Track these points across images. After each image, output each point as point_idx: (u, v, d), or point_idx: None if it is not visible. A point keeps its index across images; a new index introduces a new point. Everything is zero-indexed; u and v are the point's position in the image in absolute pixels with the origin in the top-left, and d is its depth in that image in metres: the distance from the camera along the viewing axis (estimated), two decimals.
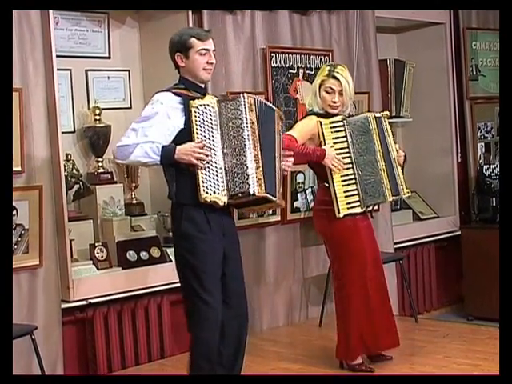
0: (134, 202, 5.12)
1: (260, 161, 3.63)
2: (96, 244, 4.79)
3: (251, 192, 3.59)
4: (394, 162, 4.51)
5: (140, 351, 4.82)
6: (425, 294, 6.63)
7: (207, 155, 3.58)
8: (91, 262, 4.73)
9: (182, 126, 3.65)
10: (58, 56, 4.50)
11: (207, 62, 3.75)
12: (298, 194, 5.57)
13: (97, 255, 4.75)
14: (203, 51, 3.74)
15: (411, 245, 6.48)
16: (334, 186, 4.33)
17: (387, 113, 4.68)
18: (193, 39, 3.72)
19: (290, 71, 5.53)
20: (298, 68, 5.57)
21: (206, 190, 3.58)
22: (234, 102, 3.67)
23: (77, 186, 4.87)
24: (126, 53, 5.26)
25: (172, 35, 3.80)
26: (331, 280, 5.26)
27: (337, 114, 4.42)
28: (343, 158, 4.35)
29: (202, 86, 3.80)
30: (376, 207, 4.61)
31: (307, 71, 5.61)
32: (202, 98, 3.68)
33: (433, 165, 6.79)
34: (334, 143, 4.35)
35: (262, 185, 3.61)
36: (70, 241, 4.57)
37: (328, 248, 4.70)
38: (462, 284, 6.67)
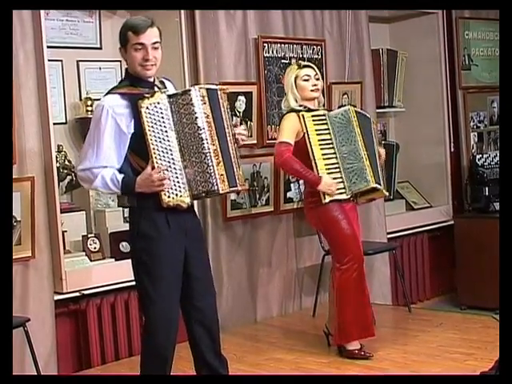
0: None
1: (220, 155, 3.48)
2: (89, 235, 4.77)
3: (215, 190, 3.48)
4: (377, 159, 4.60)
5: (134, 342, 4.81)
6: (418, 284, 6.64)
7: (166, 177, 3.43)
8: (84, 253, 4.72)
9: (133, 131, 3.49)
10: (48, 47, 4.48)
11: (143, 58, 3.49)
12: (291, 185, 5.55)
13: (90, 246, 4.74)
14: (138, 46, 3.48)
15: (404, 234, 6.48)
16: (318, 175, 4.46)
17: (375, 123, 4.85)
18: (129, 33, 3.48)
19: (283, 61, 5.50)
20: (290, 58, 5.55)
21: (167, 193, 3.46)
22: (186, 97, 3.45)
23: (69, 178, 4.84)
24: (117, 43, 5.13)
25: None
26: (324, 270, 5.30)
27: (315, 110, 4.55)
28: (326, 148, 4.49)
29: (150, 80, 3.56)
30: (368, 198, 4.70)
31: (300, 61, 5.58)
32: (150, 95, 3.46)
33: (426, 154, 6.78)
34: (317, 135, 4.48)
35: (225, 180, 3.48)
36: (63, 232, 4.55)
37: (324, 237, 4.80)
38: (454, 273, 6.68)
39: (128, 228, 3.69)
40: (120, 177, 3.49)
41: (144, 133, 3.43)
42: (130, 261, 4.61)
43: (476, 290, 6.33)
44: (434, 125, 6.78)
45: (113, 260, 4.78)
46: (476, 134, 7.09)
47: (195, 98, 3.47)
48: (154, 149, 3.45)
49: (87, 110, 4.90)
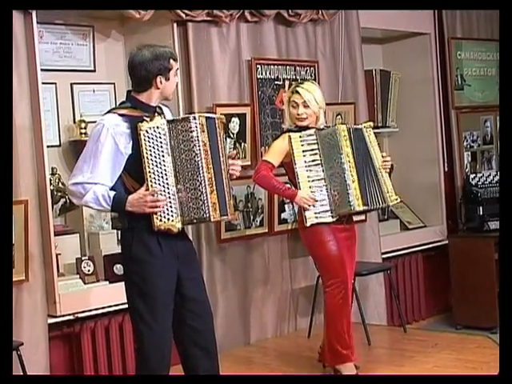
0: (118, 215, 5.07)
1: (214, 184, 3.51)
2: (83, 258, 4.76)
3: (206, 218, 3.51)
4: (379, 171, 4.52)
5: (128, 366, 4.78)
6: (413, 304, 6.62)
7: (160, 200, 3.46)
8: (78, 276, 4.70)
9: (130, 152, 3.52)
10: (42, 70, 4.49)
11: (175, 82, 3.67)
12: (285, 206, 5.55)
13: (83, 269, 4.72)
14: (176, 71, 3.65)
15: (399, 255, 6.48)
16: None
17: (370, 123, 4.70)
18: (172, 60, 3.60)
19: (276, 83, 5.52)
20: (283, 79, 5.57)
21: (159, 217, 3.48)
22: (185, 124, 3.50)
23: (63, 200, 4.83)
24: (111, 66, 5.24)
25: (137, 55, 3.57)
26: (319, 291, 5.28)
27: (308, 128, 4.52)
28: (314, 170, 4.46)
29: (152, 104, 3.61)
30: (363, 217, 4.68)
31: (293, 82, 5.58)
32: (150, 118, 3.52)
33: (420, 174, 6.80)
34: (304, 155, 4.46)
35: (217, 209, 3.51)
36: (57, 255, 4.54)
37: (312, 257, 4.76)
38: (449, 293, 6.67)
39: (120, 251, 3.70)
40: (112, 193, 3.51)
41: (141, 155, 3.47)
42: (123, 283, 4.62)
43: (471, 310, 6.33)
44: (428, 145, 6.80)
45: (107, 283, 4.76)
46: (469, 153, 7.12)
47: (194, 125, 3.51)
48: (149, 172, 3.48)
49: (81, 133, 4.91)
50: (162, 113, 3.68)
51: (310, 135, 4.49)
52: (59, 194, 4.80)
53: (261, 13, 5.34)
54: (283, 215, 5.55)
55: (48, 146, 4.53)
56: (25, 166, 4.36)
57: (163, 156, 3.49)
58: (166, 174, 3.50)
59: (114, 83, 5.24)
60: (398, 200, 4.64)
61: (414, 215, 6.84)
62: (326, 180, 4.45)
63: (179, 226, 3.52)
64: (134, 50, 3.62)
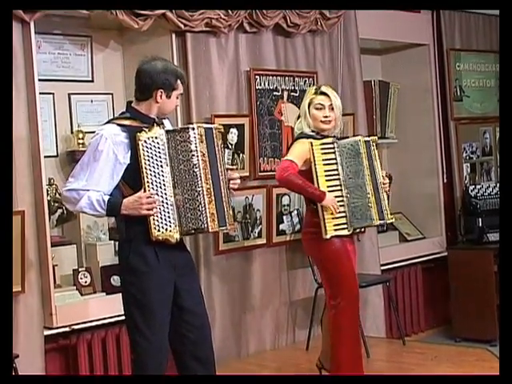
0: (116, 226, 5.05)
1: (212, 194, 3.53)
2: (79, 269, 4.74)
3: (204, 228, 3.52)
4: (380, 186, 4.47)
5: None
6: (412, 316, 6.61)
7: (156, 202, 3.47)
8: (75, 287, 4.68)
9: (128, 162, 3.53)
10: (40, 80, 4.48)
11: (176, 105, 3.72)
12: (284, 217, 5.54)
13: (80, 280, 4.70)
14: (180, 95, 3.70)
15: (398, 266, 6.46)
16: (322, 208, 4.30)
17: (375, 138, 4.62)
18: (179, 82, 3.64)
19: (275, 93, 5.52)
20: (282, 90, 5.56)
21: (157, 227, 3.49)
22: (184, 134, 3.52)
23: (60, 211, 4.82)
24: (109, 76, 5.24)
25: (147, 63, 3.63)
26: (318, 303, 5.26)
27: (327, 136, 4.40)
28: (332, 179, 4.33)
29: (151, 115, 3.63)
30: (362, 229, 4.62)
31: (292, 93, 5.60)
32: (149, 129, 3.53)
33: (419, 186, 6.80)
34: (324, 164, 4.32)
35: (215, 219, 3.52)
36: (53, 266, 4.52)
37: (320, 270, 4.61)
38: (449, 305, 6.65)
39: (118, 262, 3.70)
40: (106, 198, 3.52)
41: (139, 165, 3.48)
42: (120, 295, 4.60)
43: (471, 322, 6.31)
44: (427, 156, 6.80)
45: (104, 294, 4.74)
46: (469, 164, 7.12)
47: (193, 136, 3.52)
48: (148, 182, 3.49)
49: (78, 143, 4.90)
50: (162, 123, 3.69)
51: (331, 144, 4.35)
52: (56, 204, 4.78)
53: (259, 23, 5.34)
54: (281, 226, 5.53)
55: (45, 157, 4.52)
56: (22, 176, 4.35)
57: (161, 166, 3.50)
58: (164, 184, 3.51)
59: (111, 93, 5.23)
60: (393, 220, 4.64)
61: (413, 227, 6.82)
62: (344, 191, 4.34)
63: (177, 236, 3.52)
64: (148, 58, 3.67)
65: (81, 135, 4.91)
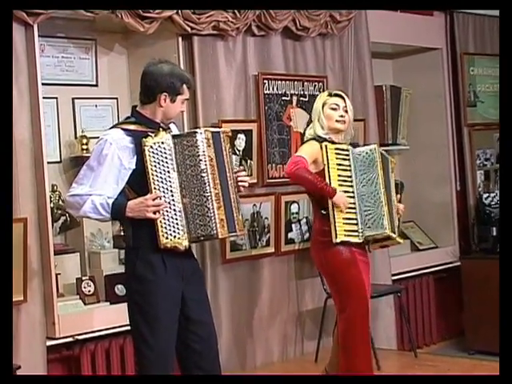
0: (123, 233, 5.07)
1: (221, 199, 3.53)
2: (83, 278, 4.75)
3: (214, 234, 3.53)
4: (394, 203, 4.50)
5: None
6: (424, 328, 6.60)
7: (162, 204, 3.48)
8: (78, 296, 4.69)
9: (134, 167, 3.54)
10: (43, 84, 4.49)
11: (182, 111, 3.74)
12: (293, 225, 5.54)
13: (84, 290, 4.71)
14: (185, 101, 3.70)
15: (409, 276, 6.45)
16: (333, 212, 4.31)
17: (394, 161, 4.69)
18: (184, 86, 3.64)
19: (284, 98, 5.52)
20: (291, 95, 5.57)
21: (165, 235, 3.49)
22: (191, 138, 3.53)
23: (63, 218, 4.83)
24: (114, 80, 5.25)
25: (153, 66, 3.65)
26: (327, 314, 5.26)
27: (339, 143, 4.43)
28: (345, 185, 4.35)
29: (157, 120, 3.64)
30: (382, 244, 4.60)
31: (301, 98, 5.60)
32: (155, 134, 3.54)
33: (431, 193, 6.79)
34: (338, 169, 4.35)
35: (225, 225, 3.53)
36: (56, 275, 4.52)
37: (327, 280, 4.66)
38: (462, 317, 6.64)
39: (124, 270, 3.71)
40: (110, 201, 3.52)
41: (146, 171, 3.49)
42: (125, 304, 4.59)
43: (485, 334, 6.28)
44: (440, 163, 6.80)
45: (108, 304, 4.75)
46: (482, 172, 7.10)
47: (200, 140, 3.53)
48: (154, 188, 3.50)
49: (82, 149, 4.91)
50: (168, 128, 3.70)
51: (345, 150, 4.39)
52: (59, 211, 4.79)
53: (268, 26, 5.35)
54: (290, 235, 5.53)
55: (48, 163, 4.53)
56: (24, 182, 4.36)
57: (168, 172, 3.51)
58: (171, 191, 3.51)
59: (116, 98, 5.25)
60: (402, 242, 4.64)
61: (425, 236, 6.82)
62: (357, 199, 4.36)
63: (186, 243, 3.52)
64: (155, 61, 3.68)
65: (85, 141, 4.92)
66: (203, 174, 3.52)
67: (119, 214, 3.54)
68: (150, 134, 3.53)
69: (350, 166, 4.36)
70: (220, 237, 3.57)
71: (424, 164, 6.80)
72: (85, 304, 4.67)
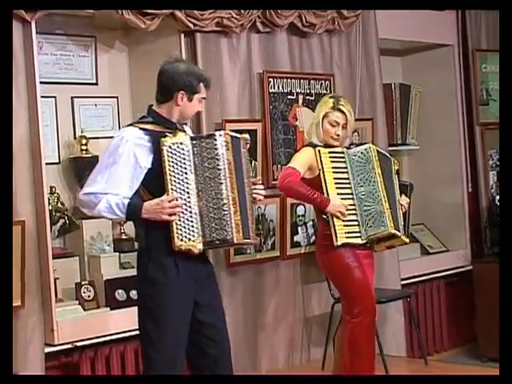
0: (124, 237, 5.09)
1: (238, 204, 3.57)
2: (82, 283, 4.76)
3: (229, 239, 3.56)
4: (399, 203, 4.61)
5: None
6: (435, 334, 6.60)
7: (178, 206, 3.52)
8: (77, 302, 4.70)
9: (150, 166, 3.59)
10: (41, 82, 4.50)
11: (197, 111, 3.78)
12: (299, 228, 5.55)
13: (83, 295, 4.72)
14: (203, 100, 3.74)
15: (419, 281, 6.46)
16: (332, 216, 4.45)
17: (398, 164, 4.80)
18: (201, 85, 3.69)
19: (289, 97, 5.53)
20: (297, 94, 5.58)
21: (180, 237, 3.53)
22: (210, 141, 3.58)
23: (62, 221, 4.84)
24: (114, 78, 5.27)
25: (170, 64, 3.72)
26: (334, 319, 5.26)
27: (335, 146, 4.57)
28: (343, 188, 4.48)
29: (174, 121, 3.71)
30: (387, 245, 4.67)
31: (307, 97, 5.61)
32: (173, 134, 3.60)
33: (442, 195, 6.79)
34: (334, 172, 4.49)
35: (240, 231, 3.57)
36: (55, 279, 4.53)
37: (333, 284, 4.80)
38: (474, 322, 6.63)
39: (136, 272, 3.76)
40: (126, 201, 3.56)
41: (163, 172, 3.53)
42: (126, 310, 4.64)
43: (498, 341, 6.26)
44: (451, 163, 6.80)
45: (108, 309, 4.75)
46: (495, 172, 7.09)
47: (220, 142, 3.57)
48: (171, 189, 3.55)
49: (82, 149, 4.93)
50: (184, 130, 3.75)
51: (340, 152, 4.53)
52: (58, 214, 4.80)
53: (273, 23, 5.36)
54: (296, 238, 5.54)
55: (47, 164, 4.54)
56: (22, 184, 4.36)
57: (186, 173, 3.55)
58: (188, 192, 3.55)
59: (117, 97, 5.26)
60: (407, 241, 4.73)
61: (435, 239, 6.82)
62: (356, 199, 4.49)
63: (200, 246, 3.56)
64: (172, 59, 3.75)
65: (84, 141, 4.94)
66: (221, 177, 3.56)
67: (134, 214, 3.58)
68: (168, 134, 3.58)
69: (346, 167, 4.51)
70: (235, 242, 3.59)
71: (434, 165, 6.81)
72: (84, 310, 4.68)
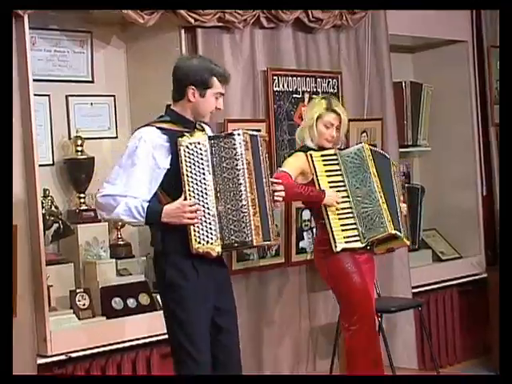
0: (121, 242, 5.10)
1: (257, 205, 3.61)
2: (77, 290, 4.75)
3: (249, 242, 3.60)
4: (399, 204, 4.63)
5: None
6: (447, 345, 6.59)
7: (199, 210, 3.56)
8: (72, 310, 4.69)
9: (168, 167, 3.63)
10: (34, 80, 4.50)
11: (216, 107, 3.77)
12: (304, 233, 5.54)
13: (78, 303, 4.72)
14: (219, 95, 3.76)
15: (431, 289, 6.45)
16: (329, 220, 4.53)
17: (398, 164, 4.89)
18: (215, 79, 3.72)
19: (295, 96, 5.53)
20: (303, 92, 5.57)
21: (198, 239, 3.57)
22: (229, 140, 3.62)
23: (56, 226, 4.83)
24: (111, 76, 5.27)
25: (184, 59, 3.80)
26: (341, 329, 5.25)
27: (325, 149, 4.63)
28: (338, 191, 4.55)
29: (192, 120, 3.76)
30: (387, 247, 4.70)
31: (313, 96, 5.60)
32: (191, 134, 3.64)
33: (455, 199, 6.79)
34: (328, 176, 4.55)
35: (260, 233, 3.61)
36: (48, 287, 4.53)
37: (333, 290, 4.81)
38: (489, 333, 6.62)
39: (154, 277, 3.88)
40: (145, 204, 3.60)
41: (181, 172, 3.58)
42: (123, 319, 4.63)
43: None
44: (464, 165, 6.79)
45: (104, 318, 4.75)
46: None
47: (238, 142, 3.61)
48: (189, 190, 3.59)
49: (77, 150, 4.93)
50: (203, 129, 3.80)
51: (333, 155, 4.59)
52: (52, 218, 4.80)
53: (278, 18, 5.36)
54: (301, 244, 5.54)
55: (40, 165, 4.54)
56: (14, 186, 4.34)
57: (204, 174, 3.59)
58: (206, 193, 3.59)
59: (114, 95, 5.26)
60: (408, 244, 4.80)
61: (448, 245, 6.81)
62: (353, 202, 4.54)
63: (219, 249, 3.60)
64: (188, 55, 3.86)
65: (79, 141, 4.94)
66: (240, 178, 3.59)
67: (154, 218, 3.62)
68: (185, 133, 3.62)
69: (339, 170, 4.58)
70: (255, 244, 3.63)
71: (447, 167, 6.80)
72: (79, 319, 4.67)
